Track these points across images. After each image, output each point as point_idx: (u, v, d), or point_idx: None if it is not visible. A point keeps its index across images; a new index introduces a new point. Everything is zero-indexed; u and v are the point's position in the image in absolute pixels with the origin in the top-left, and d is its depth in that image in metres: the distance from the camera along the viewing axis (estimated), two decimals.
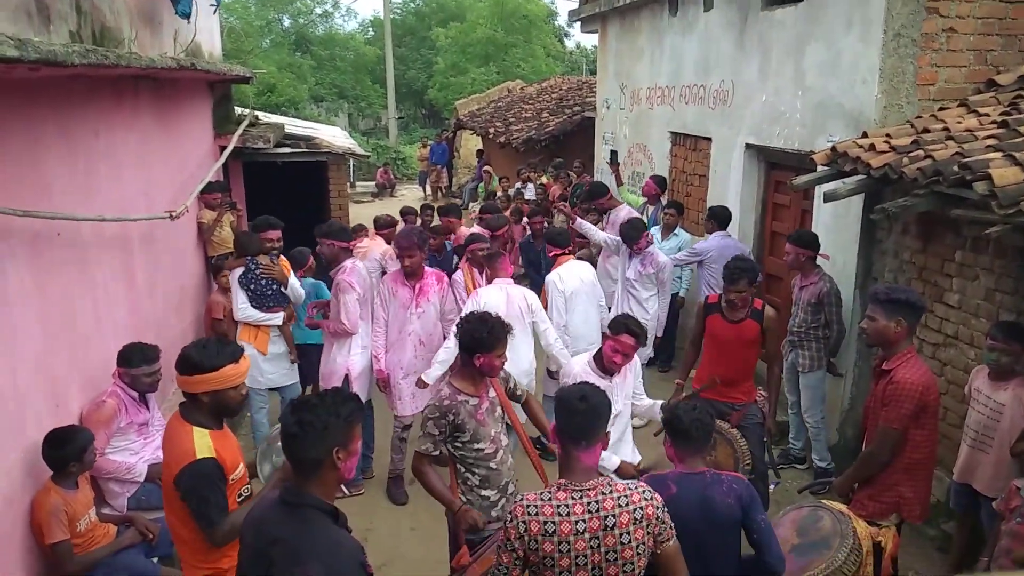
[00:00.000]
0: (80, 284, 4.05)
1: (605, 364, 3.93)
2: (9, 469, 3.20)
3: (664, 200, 7.90)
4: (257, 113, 9.75)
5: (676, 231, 7.26)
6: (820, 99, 5.67)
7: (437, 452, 3.38)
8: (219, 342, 2.93)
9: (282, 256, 5.64)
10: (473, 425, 3.34)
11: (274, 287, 5.42)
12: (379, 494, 5.37)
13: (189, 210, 6.01)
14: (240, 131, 7.98)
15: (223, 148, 7.66)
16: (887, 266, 5.14)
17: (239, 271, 5.38)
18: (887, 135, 4.65)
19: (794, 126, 6.02)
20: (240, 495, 2.89)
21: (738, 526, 2.73)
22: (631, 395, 4.16)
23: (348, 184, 15.36)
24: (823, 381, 5.34)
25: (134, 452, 4.00)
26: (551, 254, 5.94)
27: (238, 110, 9.20)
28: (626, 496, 2.35)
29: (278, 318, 5.40)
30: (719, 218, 6.63)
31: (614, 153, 9.76)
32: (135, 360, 3.96)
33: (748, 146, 6.82)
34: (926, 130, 4.52)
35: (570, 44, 37.96)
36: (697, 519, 2.65)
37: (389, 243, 6.76)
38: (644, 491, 2.39)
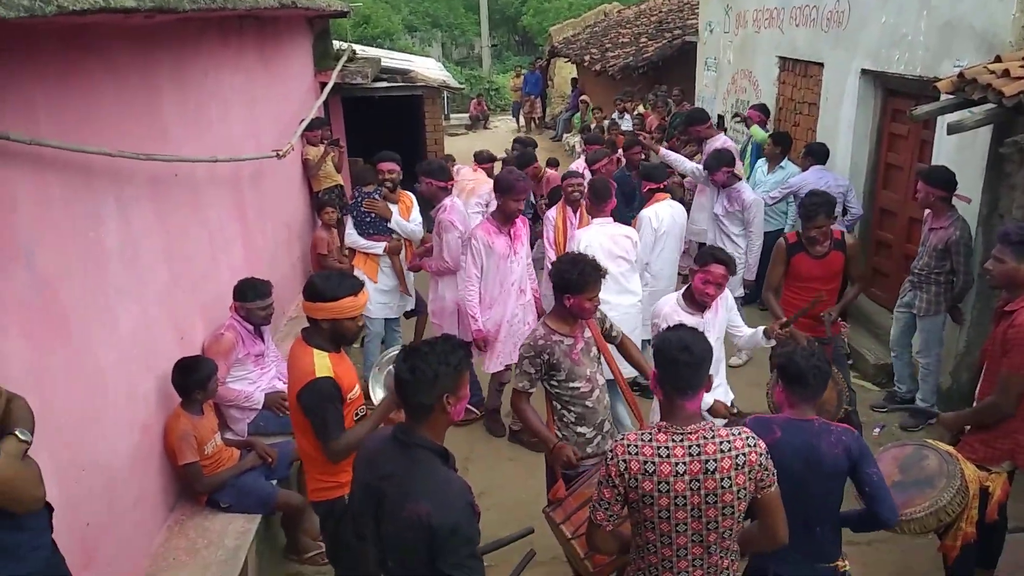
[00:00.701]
0: (197, 223, 4.28)
1: (697, 298, 3.82)
2: (144, 396, 3.50)
3: (769, 130, 7.54)
4: (355, 48, 9.81)
5: (783, 164, 6.94)
6: (947, 19, 5.20)
7: (533, 389, 3.45)
8: (342, 275, 3.14)
9: (402, 191, 5.75)
10: (568, 364, 3.38)
11: (374, 216, 5.57)
12: (479, 426, 5.56)
13: (294, 148, 6.20)
14: (339, 67, 8.07)
15: (323, 84, 7.78)
16: (1016, 203, 4.75)
17: (353, 201, 5.61)
18: None
19: (916, 50, 5.57)
20: (357, 414, 3.11)
21: (843, 477, 2.68)
22: (723, 331, 4.09)
23: (443, 117, 15.40)
24: (942, 326, 5.07)
25: (252, 381, 4.28)
26: (645, 189, 5.79)
27: (336, 44, 9.30)
28: (728, 442, 2.34)
29: (379, 247, 5.56)
30: (816, 154, 6.33)
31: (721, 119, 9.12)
32: (249, 295, 4.19)
33: (864, 72, 6.38)
34: None
35: None
36: (801, 467, 2.61)
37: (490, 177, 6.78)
38: (748, 437, 2.37)
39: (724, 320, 4.05)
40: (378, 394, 3.33)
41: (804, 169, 6.40)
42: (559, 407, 3.49)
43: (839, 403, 3.81)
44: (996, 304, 3.49)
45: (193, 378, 3.64)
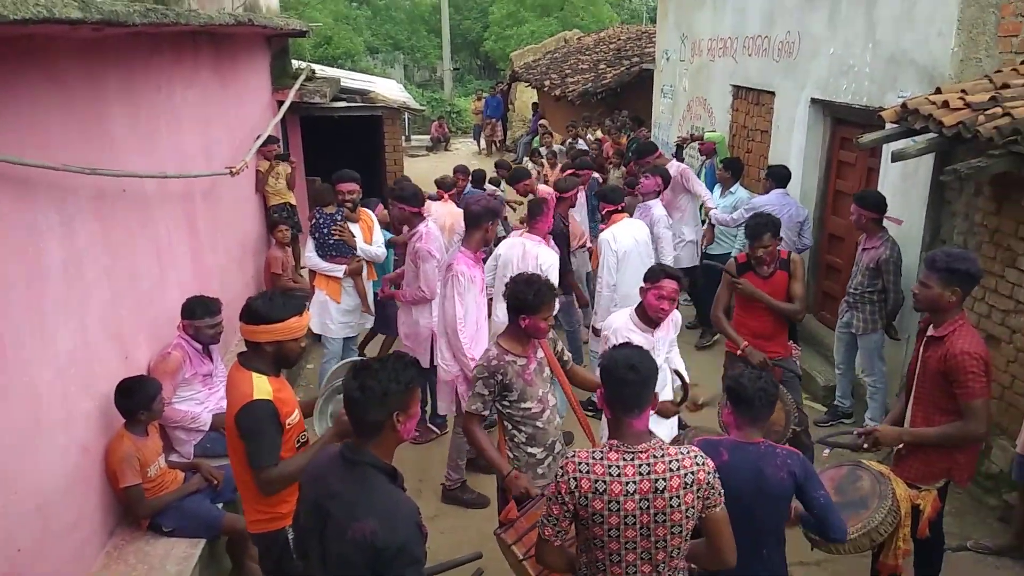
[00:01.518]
0: (145, 239, 4.19)
1: (651, 315, 3.84)
2: (85, 418, 3.38)
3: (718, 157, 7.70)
4: (314, 67, 9.78)
5: (733, 188, 7.09)
6: (891, 52, 5.40)
7: (487, 412, 3.43)
8: (284, 295, 3.03)
9: (362, 208, 5.70)
10: (521, 385, 3.37)
11: (336, 239, 5.53)
12: (434, 448, 5.49)
13: (249, 165, 6.12)
14: (297, 86, 8.04)
15: (280, 103, 7.74)
16: (956, 228, 4.92)
17: (312, 223, 5.53)
18: (962, 91, 4.41)
19: (863, 80, 5.76)
20: (298, 441, 3.00)
21: (788, 499, 2.71)
22: (672, 347, 4.13)
23: (403, 138, 15.38)
24: (880, 343, 5.24)
25: (199, 402, 4.17)
26: (604, 211, 5.85)
27: (295, 63, 9.26)
28: (677, 460, 2.34)
29: (339, 270, 5.50)
30: (777, 177, 6.42)
31: (679, 148, 8.96)
32: (198, 312, 4.09)
33: (814, 101, 6.57)
34: (1005, 85, 4.26)
35: None
36: (749, 490, 2.64)
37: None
38: (696, 456, 2.38)
39: (673, 338, 4.10)
40: (320, 427, 3.22)
41: (766, 191, 6.49)
42: (510, 427, 3.47)
43: (787, 424, 3.86)
44: (919, 323, 3.57)
45: (136, 398, 3.53)
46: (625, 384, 2.35)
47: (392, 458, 2.31)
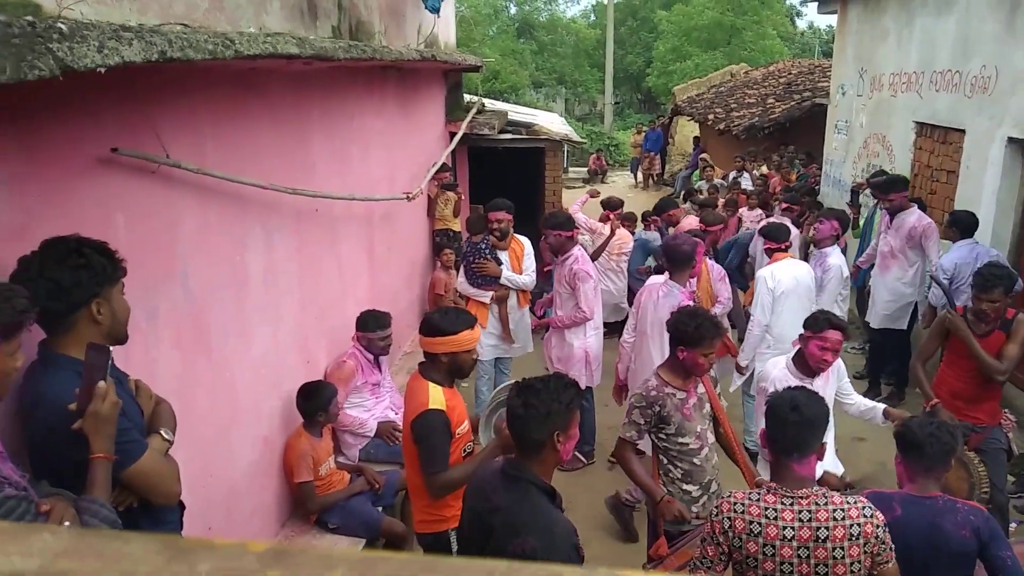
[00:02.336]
0: (330, 255, 4.56)
1: (813, 365, 3.66)
2: (269, 413, 3.72)
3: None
4: (484, 100, 10.22)
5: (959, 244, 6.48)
6: None
7: (641, 440, 3.42)
8: (457, 310, 3.27)
9: (515, 236, 5.90)
10: (679, 418, 3.33)
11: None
12: (583, 475, 5.49)
13: (423, 192, 6.50)
14: (469, 118, 8.43)
15: (453, 134, 8.14)
16: None
17: (464, 249, 5.78)
18: None
19: None
20: (464, 450, 3.16)
21: (971, 560, 2.49)
22: (833, 398, 3.90)
23: (562, 170, 15.66)
24: None
25: (367, 409, 4.45)
26: (765, 247, 5.66)
27: (466, 96, 9.73)
28: (843, 510, 2.24)
29: (486, 296, 5.70)
30: (963, 225, 5.76)
31: (855, 193, 8.50)
32: (371, 325, 4.39)
33: (1011, 140, 6.03)
34: None
35: (802, 24, 35.68)
36: (924, 547, 2.46)
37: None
38: (864, 507, 2.26)
39: (834, 387, 3.88)
40: (483, 438, 3.39)
41: (950, 239, 5.94)
42: (665, 462, 3.43)
43: (969, 493, 3.50)
44: None
45: (316, 401, 3.83)
46: (787, 425, 2.29)
47: (551, 478, 2.37)
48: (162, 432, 2.25)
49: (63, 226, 2.07)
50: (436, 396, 3.02)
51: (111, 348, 2.00)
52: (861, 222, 7.71)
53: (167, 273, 2.78)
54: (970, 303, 4.29)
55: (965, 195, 6.70)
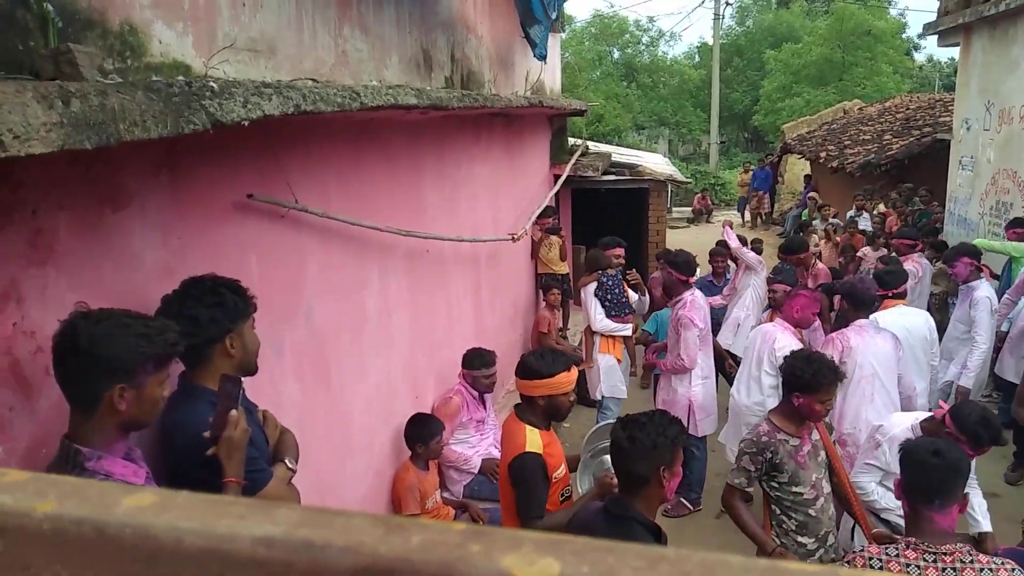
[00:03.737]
0: (439, 295, 4.71)
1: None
2: (381, 445, 3.85)
3: None
4: (588, 143, 10.35)
5: None
6: None
7: (751, 488, 3.31)
8: (554, 352, 3.25)
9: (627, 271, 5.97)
10: (792, 466, 3.21)
11: (623, 298, 5.75)
12: (688, 523, 5.33)
13: (527, 233, 6.62)
14: (573, 161, 8.55)
15: (557, 176, 8.28)
16: None
17: (592, 286, 5.76)
18: None
19: None
20: (562, 495, 3.14)
21: None
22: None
23: (666, 210, 15.54)
24: None
25: (471, 445, 4.53)
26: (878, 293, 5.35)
27: (570, 140, 9.88)
28: (991, 570, 2.09)
29: (628, 328, 5.73)
30: None
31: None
32: (477, 363, 4.48)
33: None
34: None
35: (920, 58, 34.24)
36: None
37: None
38: (1014, 569, 2.11)
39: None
40: (584, 484, 3.35)
41: None
42: (779, 512, 3.30)
43: None
44: None
45: (422, 432, 3.94)
46: (926, 468, 2.18)
47: (656, 516, 2.34)
48: (286, 461, 2.36)
49: (204, 266, 2.26)
50: (533, 439, 2.99)
51: (242, 379, 2.15)
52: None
53: (293, 310, 2.96)
54: None
55: None
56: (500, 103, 4.61)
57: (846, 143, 15.16)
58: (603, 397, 5.74)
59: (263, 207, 2.73)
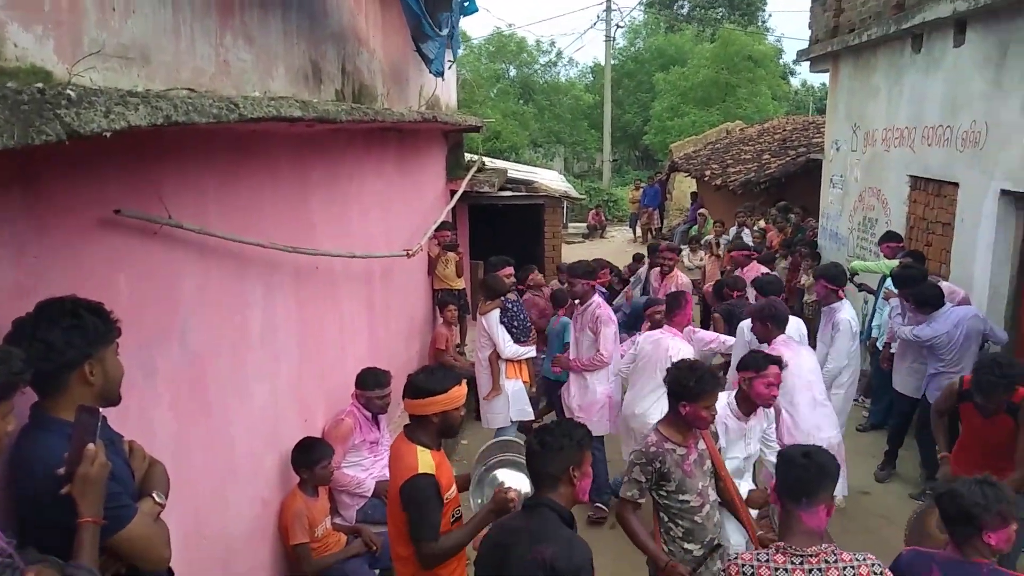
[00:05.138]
0: (330, 313, 4.57)
1: (762, 403, 3.90)
2: (267, 473, 3.68)
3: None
4: (484, 159, 10.41)
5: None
6: None
7: (643, 499, 3.36)
8: (441, 368, 3.25)
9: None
10: (679, 475, 3.29)
11: (527, 321, 5.87)
12: (603, 535, 5.36)
13: (423, 248, 6.56)
14: (470, 176, 8.57)
15: (453, 192, 8.26)
16: None
17: (496, 313, 5.75)
18: None
19: None
20: (453, 516, 3.09)
21: None
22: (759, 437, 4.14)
23: (562, 225, 15.84)
24: None
25: (365, 468, 4.40)
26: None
27: (467, 156, 9.91)
28: (852, 567, 2.21)
29: (532, 350, 5.80)
30: (932, 300, 5.62)
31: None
32: (370, 383, 4.38)
33: (1004, 192, 6.11)
34: None
35: (795, 82, 36.45)
36: None
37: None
38: (873, 564, 2.23)
39: (760, 430, 4.14)
40: (476, 502, 3.34)
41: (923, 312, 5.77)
42: (666, 519, 3.37)
43: None
44: None
45: (310, 458, 3.79)
46: (796, 468, 2.33)
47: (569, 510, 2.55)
48: (154, 495, 2.20)
49: (65, 287, 2.10)
50: (425, 459, 2.94)
51: (103, 410, 1.99)
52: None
53: (167, 332, 2.79)
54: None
55: (961, 247, 6.75)
56: (392, 117, 4.55)
57: (728, 162, 15.93)
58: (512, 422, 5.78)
59: (133, 223, 2.56)
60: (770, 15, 37.98)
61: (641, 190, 21.26)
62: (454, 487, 3.13)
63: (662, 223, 20.89)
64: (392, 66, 6.19)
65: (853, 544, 4.80)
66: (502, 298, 5.81)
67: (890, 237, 7.32)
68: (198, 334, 3.00)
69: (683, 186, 20.70)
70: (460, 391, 3.07)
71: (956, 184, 6.86)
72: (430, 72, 6.47)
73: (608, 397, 5.41)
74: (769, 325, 4.82)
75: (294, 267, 3.96)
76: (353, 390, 4.43)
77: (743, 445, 3.99)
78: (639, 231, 20.83)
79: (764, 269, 8.09)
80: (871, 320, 7.23)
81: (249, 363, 3.45)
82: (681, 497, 3.31)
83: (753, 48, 28.34)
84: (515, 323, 5.84)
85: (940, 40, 7.13)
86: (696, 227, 16.70)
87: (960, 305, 5.84)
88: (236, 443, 3.33)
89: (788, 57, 32.67)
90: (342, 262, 4.66)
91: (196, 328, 2.99)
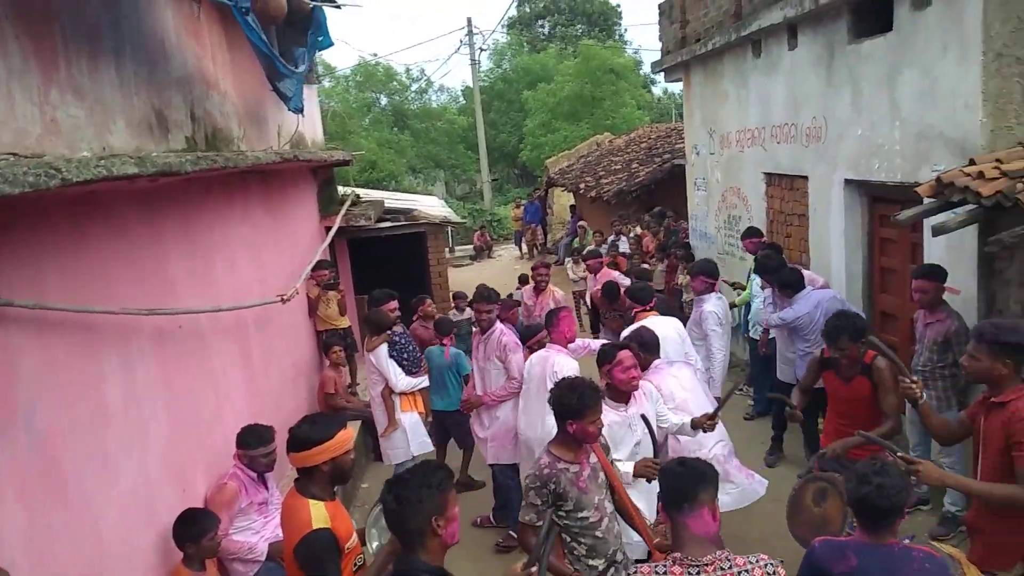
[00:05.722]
0: (201, 372, 4.33)
1: (626, 388, 4.04)
2: (144, 552, 3.42)
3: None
4: (358, 192, 10.24)
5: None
6: (919, 129, 5.43)
7: (541, 522, 3.35)
8: (323, 415, 3.15)
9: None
10: (575, 493, 3.30)
11: (416, 352, 5.80)
12: (495, 559, 5.34)
13: (299, 291, 6.35)
14: (343, 212, 8.40)
15: (328, 228, 8.07)
16: (1012, 297, 4.77)
17: (384, 348, 5.65)
18: (997, 160, 4.38)
19: (894, 158, 5.77)
20: (355, 564, 2.98)
21: None
22: (652, 422, 4.19)
23: (447, 250, 15.81)
24: None
25: (255, 531, 4.17)
26: (633, 311, 5.86)
27: (341, 189, 9.72)
28: (747, 571, 2.26)
29: (425, 380, 5.69)
30: (792, 283, 6.02)
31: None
32: (252, 442, 4.15)
33: (847, 182, 6.58)
34: None
35: (657, 91, 38.08)
36: None
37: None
38: (767, 564, 2.30)
39: (652, 412, 4.21)
40: (373, 545, 3.23)
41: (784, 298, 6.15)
42: (568, 539, 3.37)
43: (843, 523, 3.65)
44: (981, 395, 3.44)
45: (193, 531, 3.55)
46: (672, 476, 2.38)
47: (443, 563, 2.36)
48: None
49: None
50: (319, 513, 2.83)
51: None
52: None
53: (7, 422, 2.54)
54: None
55: (816, 236, 7.21)
56: (247, 161, 4.38)
57: (601, 173, 16.42)
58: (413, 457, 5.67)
59: None
60: (626, 29, 39.77)
61: (522, 208, 21.60)
62: (354, 535, 3.03)
63: (546, 238, 21.28)
64: (247, 107, 5.99)
65: (753, 531, 5.04)
66: (389, 332, 5.74)
67: (752, 233, 7.72)
68: (46, 416, 2.76)
69: (562, 200, 21.17)
70: (347, 434, 3.00)
71: (806, 177, 7.33)
72: (289, 109, 6.31)
73: (515, 423, 5.32)
74: (641, 354, 4.95)
75: (154, 329, 3.72)
76: (235, 450, 4.20)
77: (630, 434, 4.08)
78: (525, 248, 21.12)
79: (616, 274, 8.57)
80: (746, 314, 7.58)
81: (110, 438, 3.20)
82: (580, 515, 3.32)
83: (613, 61, 29.41)
84: (404, 355, 5.77)
85: (776, 45, 7.63)
86: (578, 239, 17.11)
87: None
88: (104, 528, 3.07)
89: (647, 68, 34.18)
90: (209, 317, 4.43)
91: (44, 410, 2.75)
